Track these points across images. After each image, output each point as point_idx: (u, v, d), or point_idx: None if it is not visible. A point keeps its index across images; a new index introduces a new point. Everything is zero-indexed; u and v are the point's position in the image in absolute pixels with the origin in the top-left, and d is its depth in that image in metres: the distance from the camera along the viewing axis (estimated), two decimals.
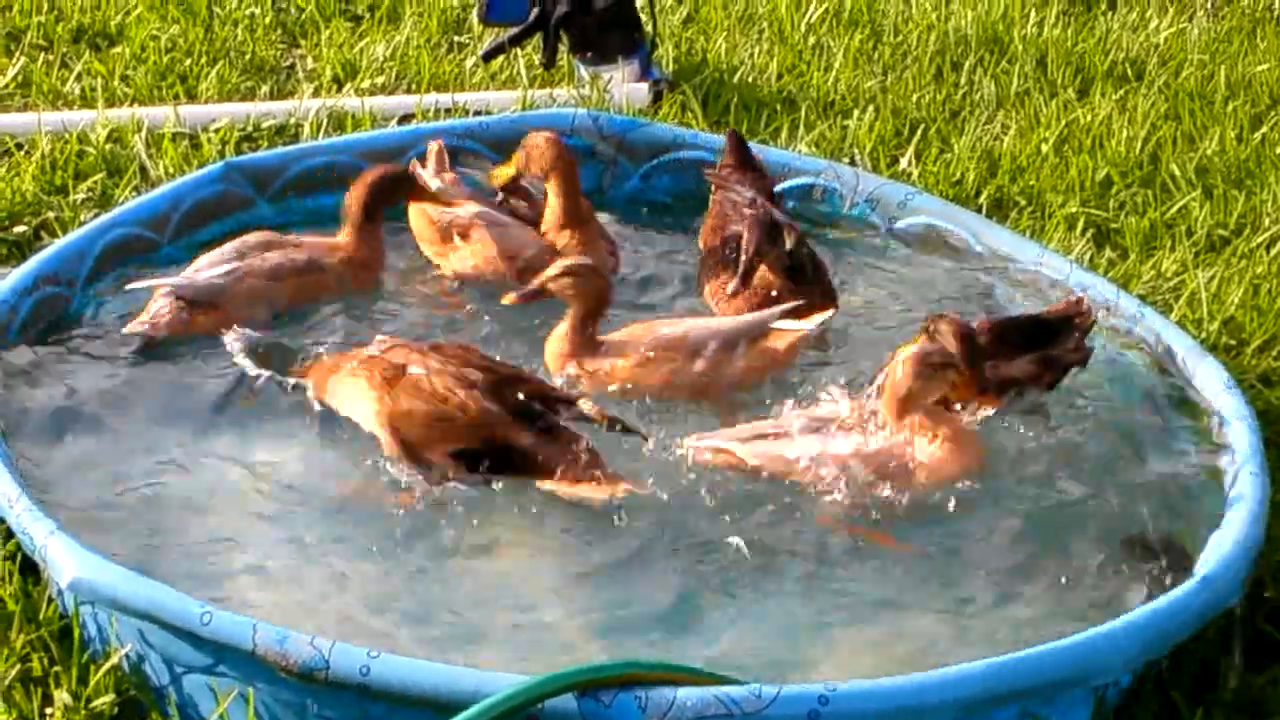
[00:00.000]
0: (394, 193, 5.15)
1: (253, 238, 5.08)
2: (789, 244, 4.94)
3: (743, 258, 4.88)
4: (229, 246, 5.03)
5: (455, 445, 4.33)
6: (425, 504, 4.28)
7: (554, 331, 4.74)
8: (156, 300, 4.86)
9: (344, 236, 5.11)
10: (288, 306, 4.98)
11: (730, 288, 4.90)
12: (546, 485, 4.30)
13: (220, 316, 4.84)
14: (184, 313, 4.84)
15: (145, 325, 4.81)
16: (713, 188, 5.35)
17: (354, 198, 5.11)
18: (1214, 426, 4.62)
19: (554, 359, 4.72)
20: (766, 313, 4.79)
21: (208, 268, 4.95)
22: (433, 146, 5.46)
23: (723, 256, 5.08)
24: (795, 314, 4.77)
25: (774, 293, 4.91)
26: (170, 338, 4.82)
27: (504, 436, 4.32)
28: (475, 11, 6.89)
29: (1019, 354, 4.69)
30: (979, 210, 5.88)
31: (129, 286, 4.92)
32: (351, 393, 4.45)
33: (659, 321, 4.84)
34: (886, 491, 4.33)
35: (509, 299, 4.75)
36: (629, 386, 4.65)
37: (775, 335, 4.73)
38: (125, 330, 4.82)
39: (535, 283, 4.71)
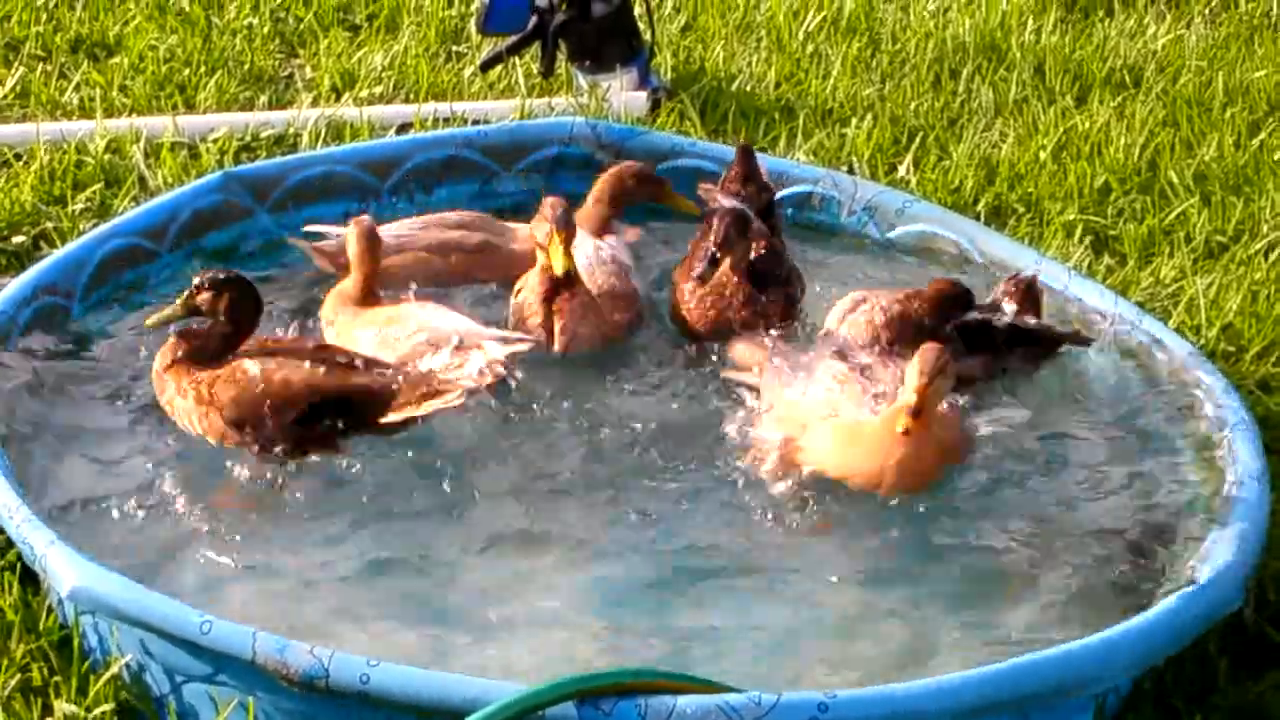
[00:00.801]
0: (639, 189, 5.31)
1: (453, 215, 5.25)
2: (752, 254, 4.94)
3: (710, 246, 4.88)
4: (426, 218, 5.23)
5: (290, 413, 4.37)
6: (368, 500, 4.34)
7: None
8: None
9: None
10: (455, 282, 5.09)
11: (695, 271, 4.91)
12: (393, 417, 4.38)
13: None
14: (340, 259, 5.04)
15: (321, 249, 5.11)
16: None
17: (599, 185, 5.29)
18: (1213, 433, 4.62)
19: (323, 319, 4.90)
20: (486, 330, 4.76)
21: (392, 229, 5.15)
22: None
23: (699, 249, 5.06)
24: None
25: (727, 292, 4.92)
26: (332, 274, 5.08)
27: (333, 386, 4.39)
28: (473, 21, 6.89)
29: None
30: (977, 218, 5.87)
31: (308, 228, 5.13)
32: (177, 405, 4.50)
33: (416, 305, 4.89)
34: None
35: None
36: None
37: (477, 349, 4.71)
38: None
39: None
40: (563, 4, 6.62)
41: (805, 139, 6.36)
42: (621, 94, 6.55)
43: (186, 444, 4.51)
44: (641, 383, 4.85)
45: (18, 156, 5.98)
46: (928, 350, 4.34)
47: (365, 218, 4.95)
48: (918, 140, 6.41)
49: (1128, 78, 7.15)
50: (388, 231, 5.08)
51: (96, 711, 3.86)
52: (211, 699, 3.80)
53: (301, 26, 7.12)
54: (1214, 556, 4.11)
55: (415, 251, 5.11)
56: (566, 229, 4.82)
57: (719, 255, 4.86)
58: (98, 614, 3.89)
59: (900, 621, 4.12)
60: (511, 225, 5.23)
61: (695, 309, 4.97)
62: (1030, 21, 7.52)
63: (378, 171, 5.59)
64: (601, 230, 5.25)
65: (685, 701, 3.55)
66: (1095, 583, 4.24)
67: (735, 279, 4.92)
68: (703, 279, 4.91)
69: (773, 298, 4.96)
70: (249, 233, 5.34)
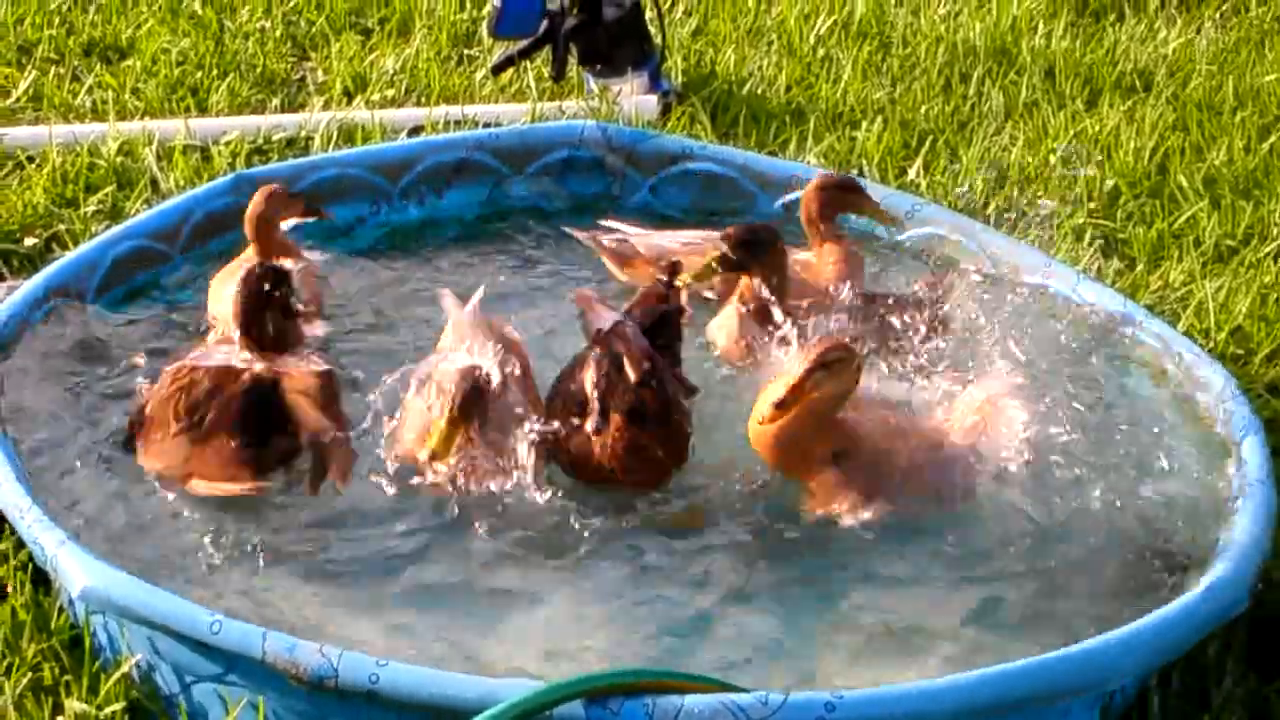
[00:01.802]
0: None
1: None
2: (633, 377, 4.45)
3: (592, 400, 4.46)
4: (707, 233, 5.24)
5: None
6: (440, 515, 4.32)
7: None
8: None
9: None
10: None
11: (590, 425, 4.43)
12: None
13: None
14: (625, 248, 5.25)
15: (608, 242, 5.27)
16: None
17: (805, 207, 5.21)
18: (1221, 435, 4.62)
19: None
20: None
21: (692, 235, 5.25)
22: None
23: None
24: None
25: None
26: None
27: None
28: (485, 25, 6.91)
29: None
30: (986, 221, 5.88)
31: (604, 221, 5.34)
32: None
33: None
34: None
35: None
36: None
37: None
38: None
39: None
40: (574, 8, 6.64)
41: (816, 142, 6.37)
42: (632, 97, 6.57)
43: None
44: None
45: (30, 159, 6.00)
46: (819, 343, 4.30)
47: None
48: (928, 144, 6.42)
49: (1138, 81, 7.16)
50: (687, 234, 5.21)
51: (107, 710, 3.88)
52: (221, 698, 3.81)
53: (313, 30, 7.14)
54: (1221, 559, 4.12)
55: (691, 259, 5.02)
56: (464, 419, 4.30)
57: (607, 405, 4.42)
58: (108, 614, 3.91)
59: (907, 622, 4.12)
60: (800, 257, 5.10)
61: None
62: (1041, 25, 7.53)
63: (389, 174, 5.61)
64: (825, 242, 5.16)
65: (692, 701, 3.55)
66: (1103, 584, 4.24)
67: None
68: (599, 430, 4.43)
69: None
70: None
